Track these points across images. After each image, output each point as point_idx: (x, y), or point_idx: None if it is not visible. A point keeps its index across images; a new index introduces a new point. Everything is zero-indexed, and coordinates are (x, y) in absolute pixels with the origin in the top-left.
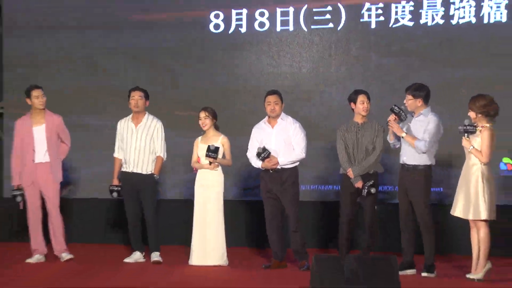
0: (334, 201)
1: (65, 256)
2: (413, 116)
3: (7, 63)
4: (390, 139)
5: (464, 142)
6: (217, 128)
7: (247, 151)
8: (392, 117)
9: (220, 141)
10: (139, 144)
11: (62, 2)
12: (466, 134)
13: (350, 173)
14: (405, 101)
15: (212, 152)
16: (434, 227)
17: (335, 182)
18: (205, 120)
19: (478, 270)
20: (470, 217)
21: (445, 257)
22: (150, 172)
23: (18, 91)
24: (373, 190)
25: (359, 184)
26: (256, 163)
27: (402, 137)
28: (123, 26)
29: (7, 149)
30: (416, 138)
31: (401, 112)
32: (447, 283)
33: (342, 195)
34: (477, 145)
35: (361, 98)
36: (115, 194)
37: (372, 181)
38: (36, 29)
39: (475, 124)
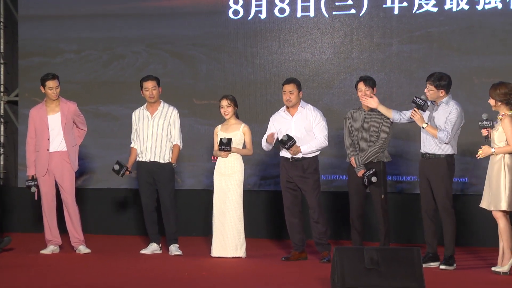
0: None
1: (83, 249)
2: (434, 105)
3: (22, 51)
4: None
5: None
6: (237, 116)
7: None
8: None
9: (241, 129)
10: (155, 132)
11: None
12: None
13: (353, 161)
14: (426, 90)
15: (225, 145)
16: (454, 213)
17: None
18: (227, 109)
19: (504, 263)
20: (492, 208)
21: (470, 249)
22: (167, 161)
23: (33, 79)
24: (373, 179)
25: (360, 173)
26: (267, 146)
27: (423, 128)
28: (141, 14)
29: (22, 138)
30: (437, 128)
31: (425, 103)
32: (472, 276)
33: (349, 184)
34: (498, 135)
35: (359, 86)
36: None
37: (373, 170)
38: (52, 17)
39: (491, 119)
